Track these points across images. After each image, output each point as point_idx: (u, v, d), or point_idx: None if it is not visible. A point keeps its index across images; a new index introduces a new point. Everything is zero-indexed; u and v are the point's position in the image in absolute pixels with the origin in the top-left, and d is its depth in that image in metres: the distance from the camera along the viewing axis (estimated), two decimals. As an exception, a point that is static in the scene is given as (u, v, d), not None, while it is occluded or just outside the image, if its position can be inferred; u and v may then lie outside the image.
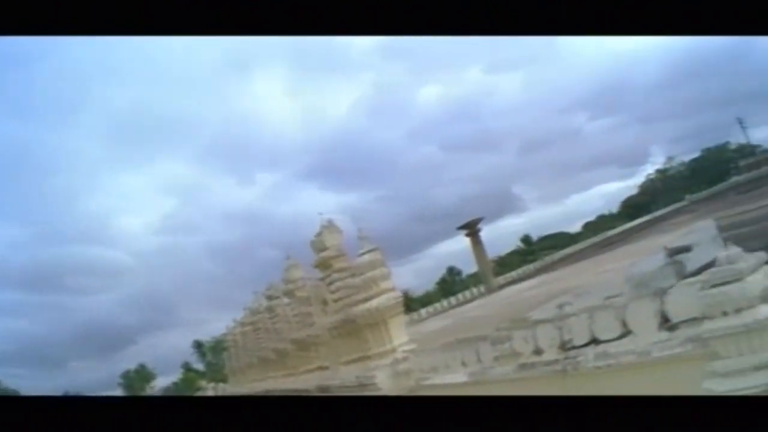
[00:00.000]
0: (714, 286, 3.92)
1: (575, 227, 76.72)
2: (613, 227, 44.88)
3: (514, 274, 34.64)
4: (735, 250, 3.93)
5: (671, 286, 4.56)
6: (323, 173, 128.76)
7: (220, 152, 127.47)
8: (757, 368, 3.75)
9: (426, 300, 48.05)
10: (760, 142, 66.97)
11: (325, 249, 11.57)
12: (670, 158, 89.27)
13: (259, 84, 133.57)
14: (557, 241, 63.22)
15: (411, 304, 49.74)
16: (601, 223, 69.48)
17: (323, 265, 11.75)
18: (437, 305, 30.69)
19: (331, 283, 11.49)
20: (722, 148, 78.82)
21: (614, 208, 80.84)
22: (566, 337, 5.71)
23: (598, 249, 28.02)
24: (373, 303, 9.82)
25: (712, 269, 3.94)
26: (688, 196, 39.87)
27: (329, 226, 12.01)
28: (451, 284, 61.38)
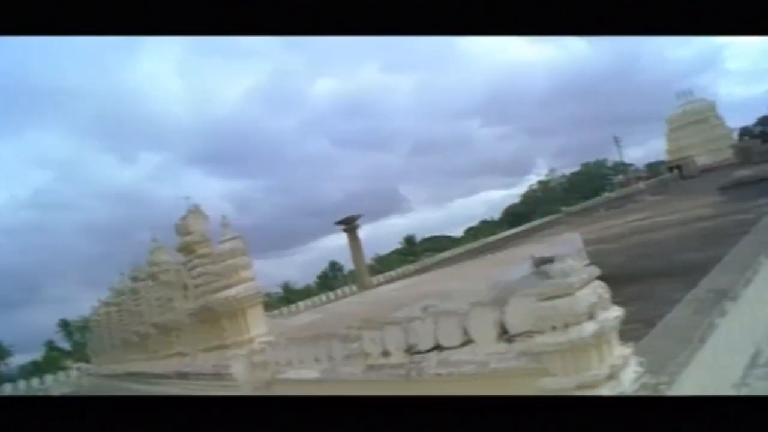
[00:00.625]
0: (547, 299, 3.82)
1: (458, 231, 78.83)
2: (494, 234, 46.24)
3: (393, 273, 34.85)
4: (569, 262, 3.84)
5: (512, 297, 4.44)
6: (210, 158, 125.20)
7: (102, 128, 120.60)
8: (580, 387, 3.68)
9: (305, 293, 47.67)
10: (634, 160, 71.75)
11: (189, 233, 11.12)
12: (552, 170, 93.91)
13: (150, 61, 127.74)
14: (438, 243, 64.53)
15: (291, 296, 49.17)
16: (483, 229, 71.74)
17: (186, 249, 11.33)
18: (315, 299, 30.47)
19: (192, 269, 11.09)
20: (600, 165, 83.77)
21: (497, 215, 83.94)
22: (412, 341, 5.55)
23: (476, 254, 28.67)
24: (231, 291, 9.61)
25: (546, 281, 3.84)
26: (563, 209, 41.78)
27: (195, 211, 11.56)
28: (331, 279, 61.32)
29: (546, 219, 42.05)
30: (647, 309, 7.38)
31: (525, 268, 12.63)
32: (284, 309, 29.17)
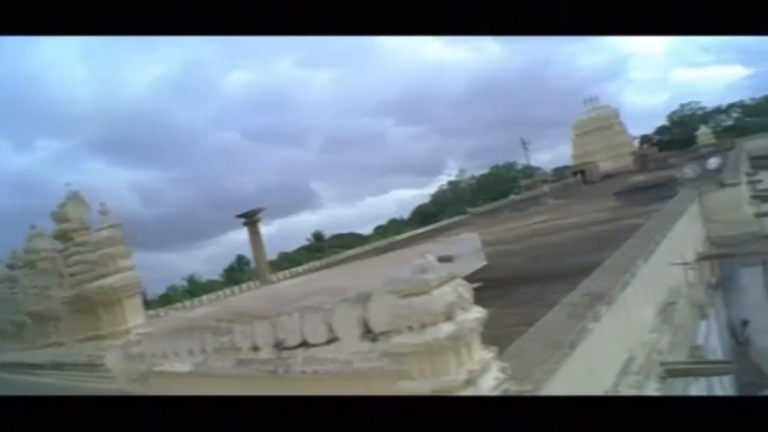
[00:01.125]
0: (404, 296, 3.58)
1: (367, 229, 78.97)
2: (402, 233, 46.43)
3: (299, 269, 34.36)
4: (429, 259, 3.62)
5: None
6: (115, 147, 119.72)
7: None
8: (436, 392, 3.46)
9: (210, 287, 46.34)
10: (543, 164, 74.05)
11: (67, 221, 10.59)
12: (462, 171, 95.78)
13: (51, 44, 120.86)
14: (346, 241, 64.39)
15: (195, 290, 47.66)
16: (392, 227, 72.04)
17: (63, 237, 10.79)
18: (220, 293, 29.64)
19: (69, 257, 10.55)
20: (509, 167, 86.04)
21: (406, 215, 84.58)
22: (280, 336, 5.26)
23: (382, 252, 28.62)
24: (108, 281, 9.24)
25: (403, 277, 3.60)
26: (469, 210, 42.41)
27: (74, 198, 10.95)
28: (238, 273, 59.97)
29: (453, 219, 42.57)
30: (536, 312, 7.34)
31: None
32: (187, 302, 28.23)
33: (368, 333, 4.29)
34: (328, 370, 4.60)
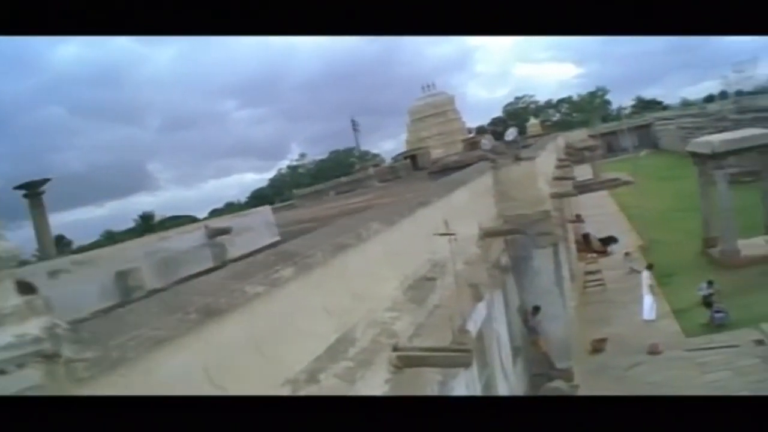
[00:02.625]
0: None
1: (204, 212, 76.11)
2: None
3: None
4: None
5: None
6: None
7: None
8: None
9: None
10: (387, 151, 74.38)
11: None
12: (302, 155, 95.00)
13: None
14: (180, 223, 61.11)
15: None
16: (228, 211, 69.60)
17: None
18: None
19: None
20: (348, 153, 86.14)
21: (244, 198, 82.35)
22: None
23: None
24: None
25: None
26: (294, 191, 41.19)
27: None
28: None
29: (284, 203, 41.23)
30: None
31: (197, 237, 11.59)
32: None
33: None
34: None
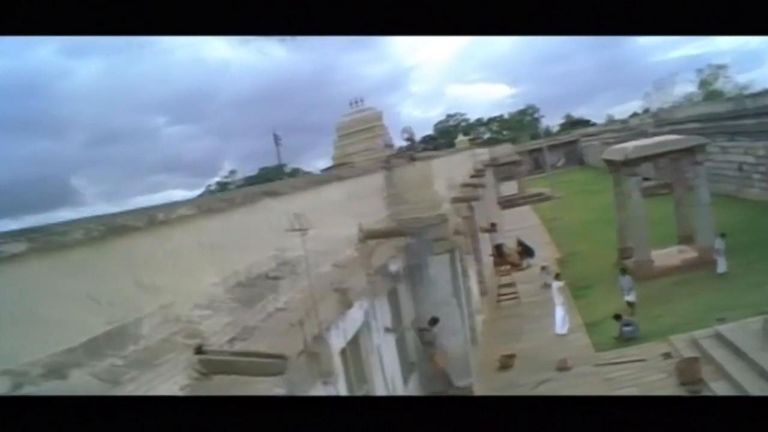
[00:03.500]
0: None
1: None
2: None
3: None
4: None
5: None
6: None
7: None
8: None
9: None
10: (317, 168, 73.80)
11: None
12: (232, 172, 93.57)
13: None
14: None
15: None
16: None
17: None
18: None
19: None
20: (278, 170, 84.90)
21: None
22: None
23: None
24: None
25: None
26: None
27: None
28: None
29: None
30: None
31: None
32: None
33: None
34: None
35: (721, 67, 74.09)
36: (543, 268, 24.47)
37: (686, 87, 72.91)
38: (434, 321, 13.41)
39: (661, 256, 22.67)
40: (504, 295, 22.96)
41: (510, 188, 53.95)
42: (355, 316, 9.61)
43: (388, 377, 11.09)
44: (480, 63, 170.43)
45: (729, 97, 31.07)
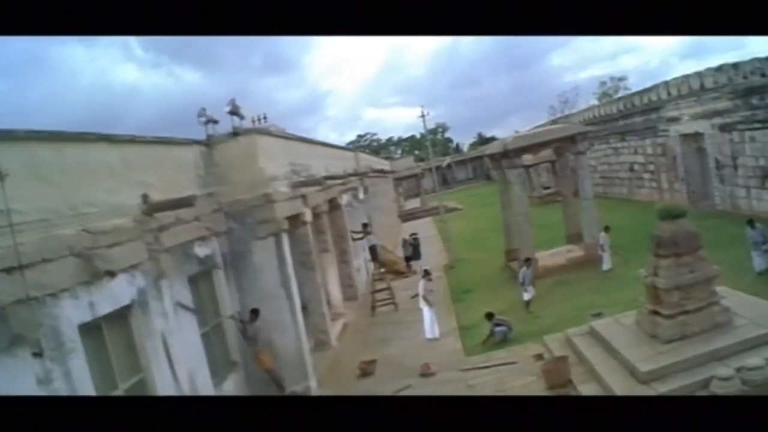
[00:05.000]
0: None
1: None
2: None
3: None
4: None
5: None
6: None
7: None
8: None
9: None
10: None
11: None
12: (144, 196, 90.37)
13: None
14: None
15: None
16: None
17: None
18: None
19: None
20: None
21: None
22: None
23: None
24: None
25: None
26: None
27: None
28: None
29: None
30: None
31: None
32: None
33: None
34: None
35: (622, 79, 76.15)
36: (426, 272, 22.84)
37: (590, 99, 74.05)
38: (255, 313, 11.52)
39: (547, 256, 21.44)
40: (379, 301, 21.04)
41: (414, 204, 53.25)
42: (118, 291, 7.88)
43: (183, 372, 9.15)
44: (395, 87, 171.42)
45: (619, 96, 30.39)
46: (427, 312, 16.86)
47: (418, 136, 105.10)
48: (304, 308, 13.61)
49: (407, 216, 37.47)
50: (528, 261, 18.56)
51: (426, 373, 14.06)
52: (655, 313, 11.19)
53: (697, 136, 24.41)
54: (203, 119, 12.22)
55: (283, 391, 11.47)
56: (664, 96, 25.90)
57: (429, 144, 50.86)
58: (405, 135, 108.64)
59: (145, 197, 9.09)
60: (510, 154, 20.56)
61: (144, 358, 8.38)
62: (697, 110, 23.75)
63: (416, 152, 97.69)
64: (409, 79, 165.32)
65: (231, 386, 10.89)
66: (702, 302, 10.86)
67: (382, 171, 40.03)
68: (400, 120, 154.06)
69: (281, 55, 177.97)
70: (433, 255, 29.72)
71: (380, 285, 21.42)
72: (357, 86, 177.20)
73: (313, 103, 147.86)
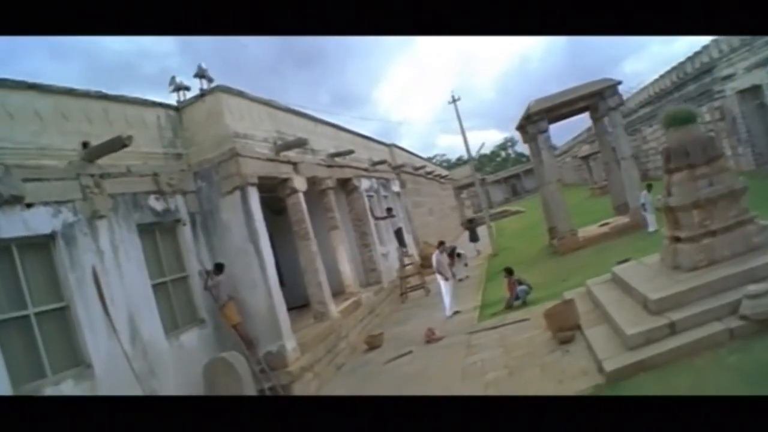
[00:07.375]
0: None
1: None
2: None
3: None
4: None
5: None
6: None
7: None
8: None
9: None
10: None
11: None
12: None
13: None
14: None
15: None
16: None
17: None
18: None
19: None
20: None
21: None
22: None
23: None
24: None
25: None
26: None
27: None
28: None
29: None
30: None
31: None
32: None
33: None
34: None
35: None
36: (458, 255, 21.92)
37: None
38: (218, 267, 11.33)
39: (591, 229, 20.04)
40: (410, 287, 20.32)
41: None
42: (35, 220, 8.18)
43: (122, 314, 9.10)
44: (468, 112, 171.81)
45: (670, 68, 28.39)
46: (443, 286, 15.92)
47: (487, 152, 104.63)
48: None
49: (468, 223, 36.71)
50: (442, 244, 18.06)
51: (431, 339, 13.17)
52: (676, 239, 9.62)
53: (755, 90, 22.30)
54: (172, 87, 12.08)
55: (253, 348, 11.02)
56: (715, 55, 24.03)
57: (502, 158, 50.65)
58: (477, 155, 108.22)
59: (84, 144, 9.34)
60: (534, 117, 19.49)
61: (67, 290, 8.37)
62: (751, 61, 21.79)
63: (487, 169, 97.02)
64: (482, 103, 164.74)
65: (193, 340, 10.55)
66: (730, 221, 8.99)
67: (431, 173, 39.37)
68: (476, 143, 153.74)
69: (349, 91, 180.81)
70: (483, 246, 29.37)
71: (410, 270, 20.67)
72: (428, 114, 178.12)
73: (386, 134, 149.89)
